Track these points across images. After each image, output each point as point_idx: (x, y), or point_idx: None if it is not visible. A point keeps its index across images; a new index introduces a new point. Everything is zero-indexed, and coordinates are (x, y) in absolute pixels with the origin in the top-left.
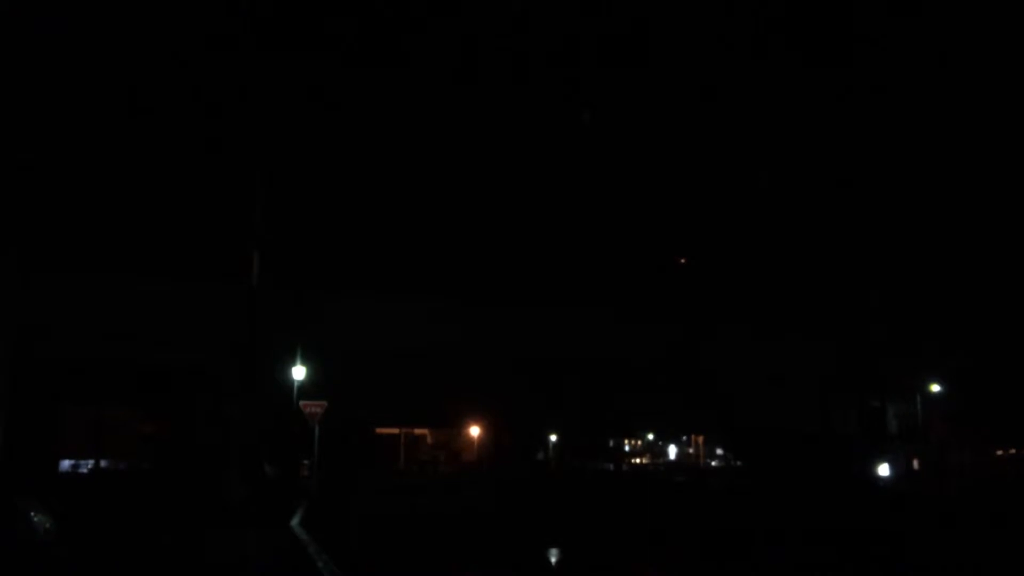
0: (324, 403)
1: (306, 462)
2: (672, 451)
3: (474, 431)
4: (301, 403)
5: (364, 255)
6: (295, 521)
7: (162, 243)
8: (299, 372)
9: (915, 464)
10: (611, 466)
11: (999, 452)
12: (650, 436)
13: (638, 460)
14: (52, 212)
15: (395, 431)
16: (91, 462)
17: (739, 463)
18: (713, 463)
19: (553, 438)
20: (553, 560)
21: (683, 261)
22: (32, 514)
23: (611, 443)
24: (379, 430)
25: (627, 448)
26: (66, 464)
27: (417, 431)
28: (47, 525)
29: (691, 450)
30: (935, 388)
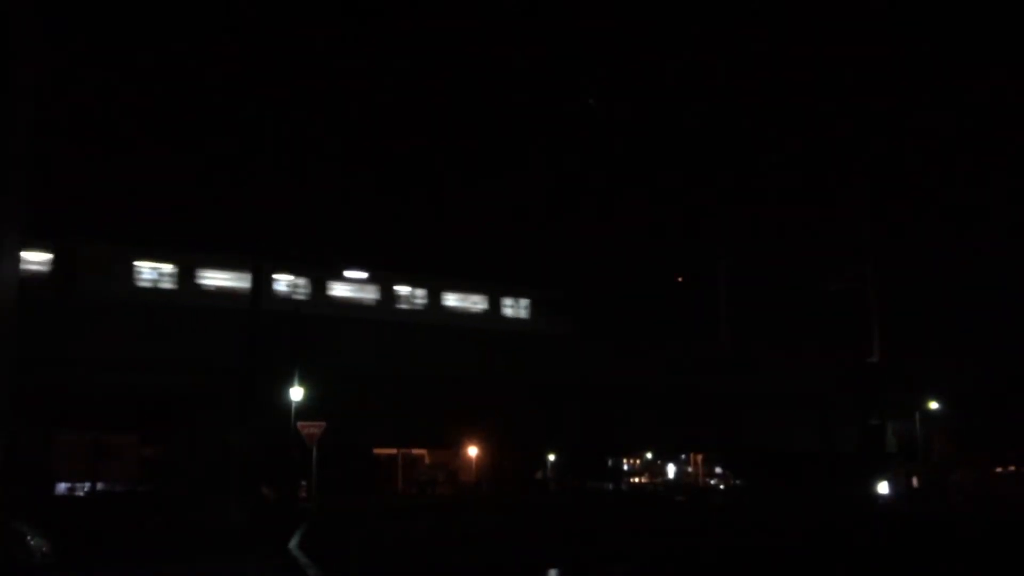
0: (322, 423)
1: (304, 483)
2: (671, 470)
3: (472, 451)
4: (299, 424)
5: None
6: (293, 543)
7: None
8: (297, 393)
9: (914, 482)
10: (610, 485)
11: (998, 469)
12: (649, 455)
13: (637, 479)
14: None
15: (393, 452)
16: (87, 484)
17: (738, 482)
18: (712, 481)
19: (552, 458)
20: None
21: (680, 279)
22: (28, 537)
23: (610, 462)
24: (377, 451)
25: (626, 467)
26: (62, 487)
27: (415, 452)
28: (44, 548)
29: (690, 468)
30: (933, 405)
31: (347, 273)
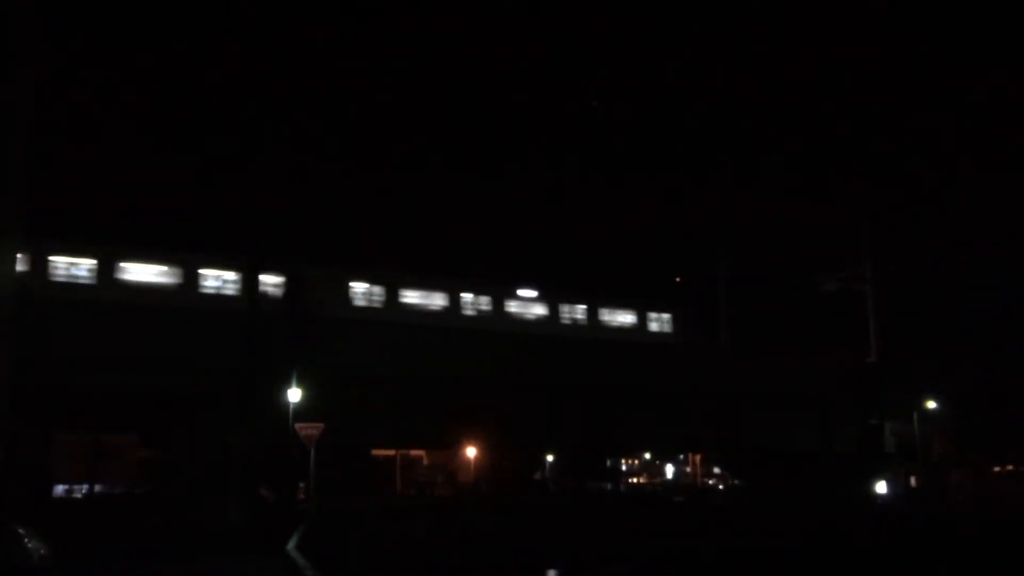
0: (321, 425)
1: (302, 485)
2: (669, 470)
3: (471, 452)
4: (297, 425)
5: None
6: (291, 544)
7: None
8: (295, 394)
9: (912, 482)
10: (609, 486)
11: (996, 468)
12: (647, 455)
13: (636, 479)
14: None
15: (391, 453)
16: (85, 486)
17: (736, 482)
18: (711, 482)
19: (550, 458)
20: None
21: (678, 279)
22: (26, 539)
23: (608, 463)
24: (375, 452)
25: (624, 467)
26: (60, 489)
27: (413, 453)
28: (42, 550)
29: (688, 469)
30: (932, 405)
31: (520, 292)
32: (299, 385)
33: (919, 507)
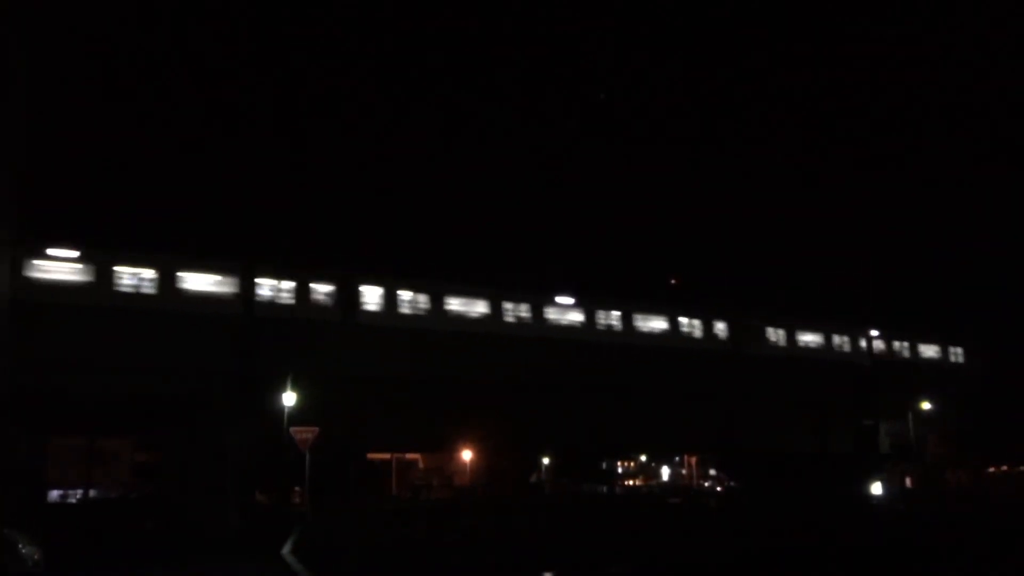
0: (315, 429)
1: (297, 489)
2: (665, 472)
3: (466, 455)
4: (292, 429)
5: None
6: (287, 548)
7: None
8: (289, 398)
9: (908, 482)
10: (604, 488)
11: (992, 469)
12: (643, 457)
13: (631, 481)
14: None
15: (386, 456)
16: (80, 491)
17: (733, 483)
18: (707, 484)
19: (546, 461)
20: None
21: (674, 281)
22: (20, 545)
23: (604, 465)
24: (370, 455)
25: (620, 469)
26: (55, 494)
27: (409, 456)
28: (35, 556)
29: (684, 471)
30: (926, 406)
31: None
32: (294, 388)
33: (915, 507)
